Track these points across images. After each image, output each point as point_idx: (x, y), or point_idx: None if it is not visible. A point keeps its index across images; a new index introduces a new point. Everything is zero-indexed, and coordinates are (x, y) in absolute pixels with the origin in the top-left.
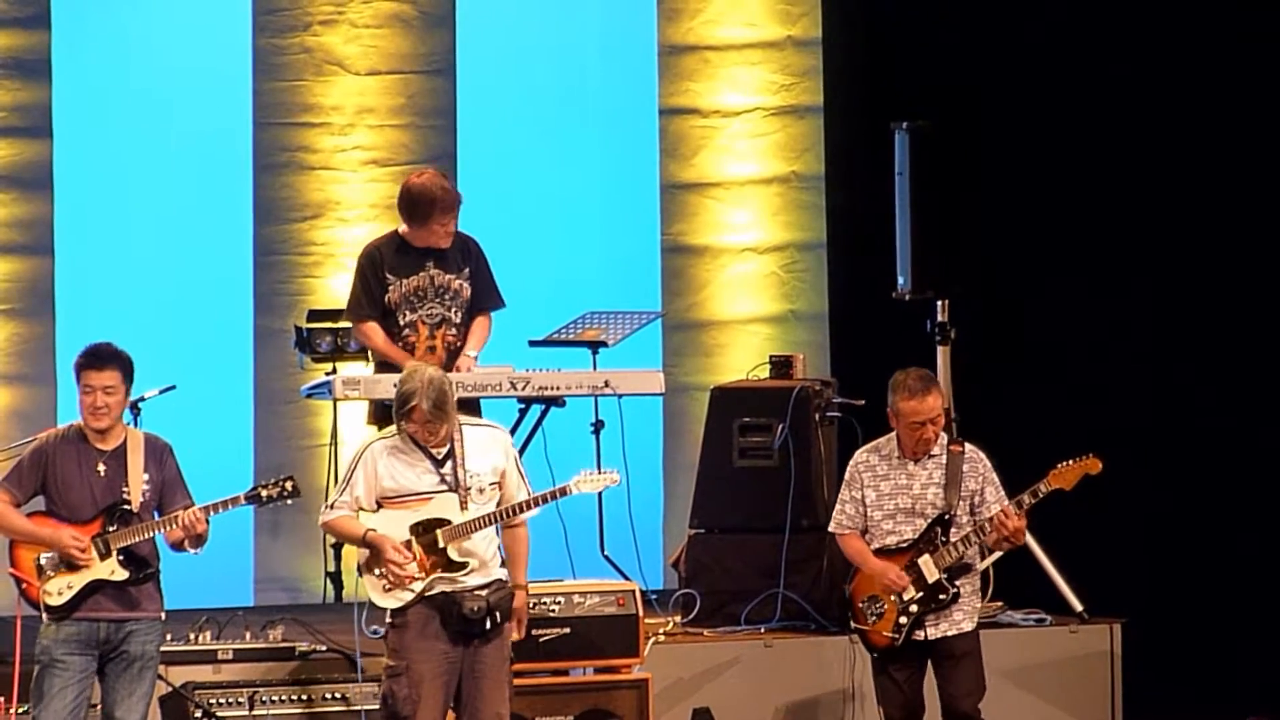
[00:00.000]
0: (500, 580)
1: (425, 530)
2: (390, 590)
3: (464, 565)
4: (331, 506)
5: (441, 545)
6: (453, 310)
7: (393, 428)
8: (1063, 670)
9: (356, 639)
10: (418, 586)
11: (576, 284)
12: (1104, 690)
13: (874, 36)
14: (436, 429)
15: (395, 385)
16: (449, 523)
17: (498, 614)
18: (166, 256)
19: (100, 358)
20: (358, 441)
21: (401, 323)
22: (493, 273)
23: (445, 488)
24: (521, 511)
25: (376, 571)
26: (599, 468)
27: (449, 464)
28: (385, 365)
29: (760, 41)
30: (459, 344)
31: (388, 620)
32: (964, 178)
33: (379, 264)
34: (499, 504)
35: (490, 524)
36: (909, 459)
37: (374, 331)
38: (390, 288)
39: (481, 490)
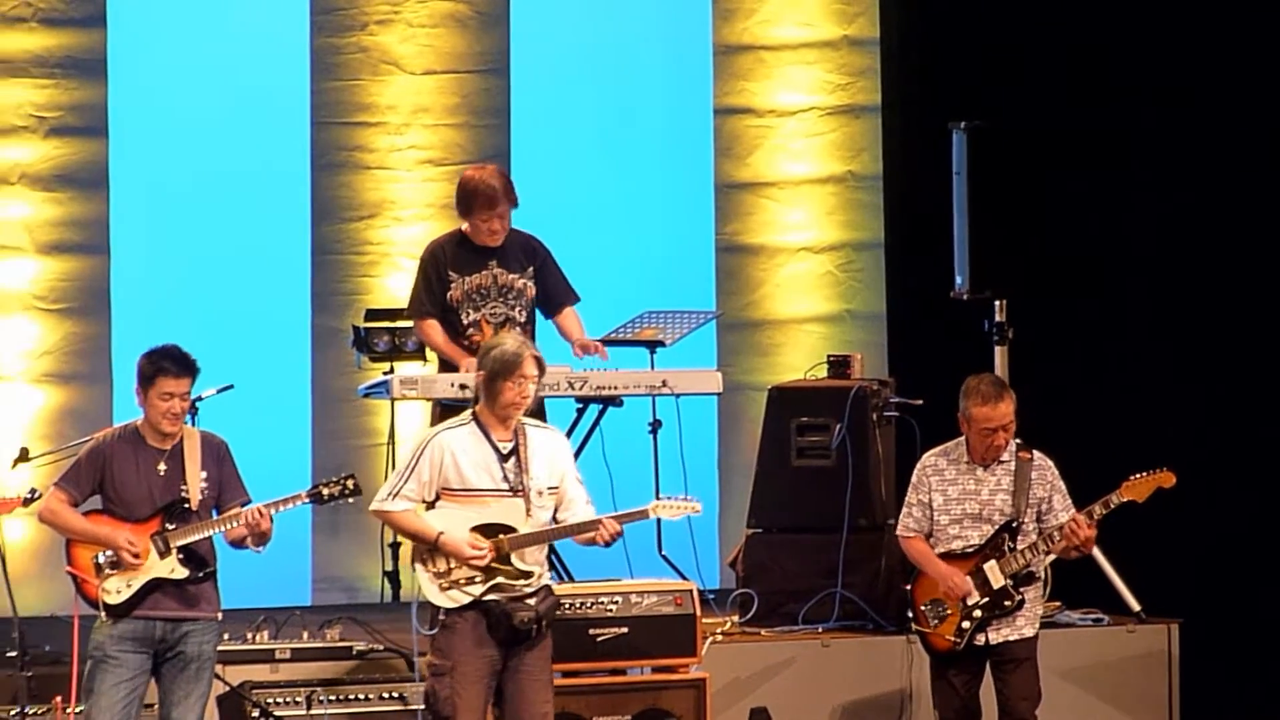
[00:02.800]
0: (548, 587)
1: (488, 534)
2: (447, 590)
3: (529, 574)
4: (393, 495)
5: (505, 552)
6: (517, 310)
7: (460, 417)
8: (1120, 670)
9: (414, 638)
10: (476, 590)
11: (631, 283)
12: (1162, 690)
13: (931, 36)
14: (531, 390)
15: (487, 356)
16: (513, 530)
17: (545, 622)
18: (224, 256)
19: (182, 364)
20: (416, 436)
21: (465, 321)
22: (562, 270)
23: (508, 488)
24: (595, 532)
25: (433, 569)
26: (655, 474)
27: (513, 461)
28: (447, 365)
29: (816, 41)
30: None
31: (439, 618)
32: (1022, 177)
33: (441, 261)
34: (558, 508)
35: (557, 538)
36: (978, 464)
37: (434, 329)
38: (452, 285)
39: (540, 494)
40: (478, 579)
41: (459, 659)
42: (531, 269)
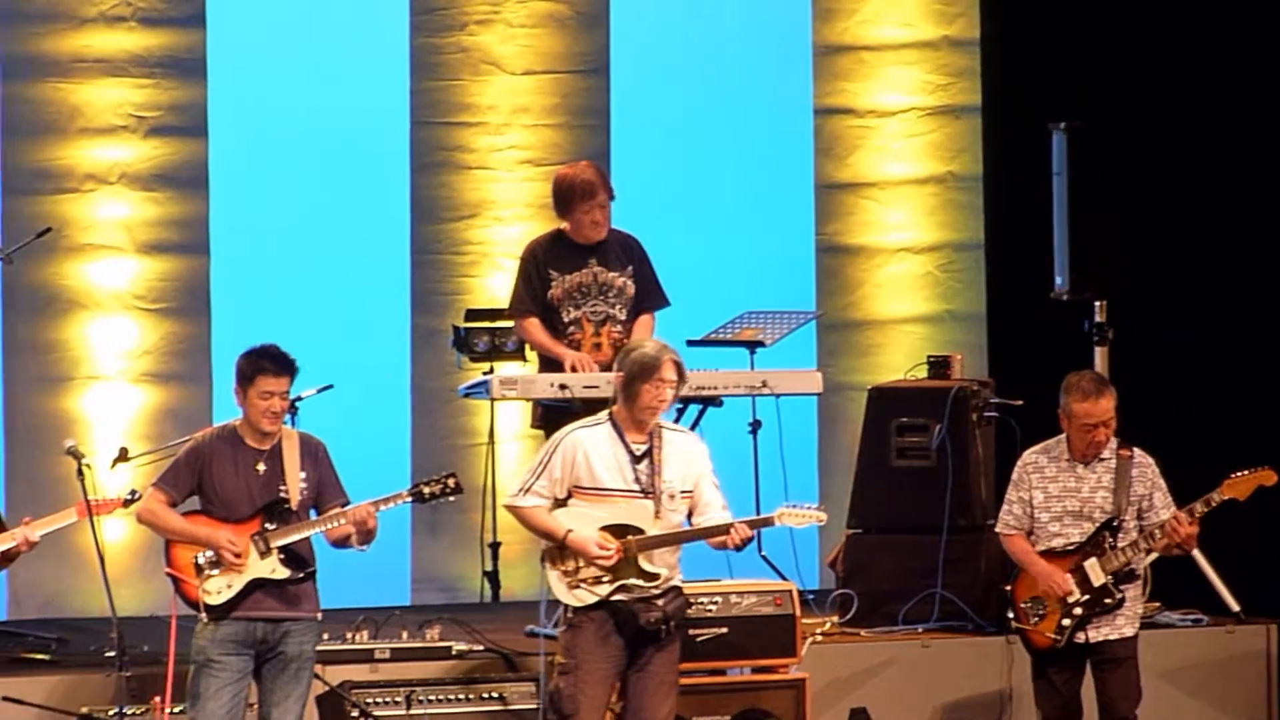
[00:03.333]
0: (677, 588)
1: (617, 535)
2: (574, 589)
3: (656, 576)
4: (525, 491)
5: (633, 554)
6: (617, 308)
7: (596, 417)
8: (1219, 670)
9: (540, 642)
10: (603, 590)
11: (731, 284)
12: (1261, 690)
13: (1032, 36)
14: (669, 395)
15: (627, 358)
16: (641, 531)
17: (672, 623)
18: (323, 255)
19: (281, 363)
20: (515, 436)
21: (566, 319)
22: (656, 273)
23: (639, 489)
24: (726, 536)
25: (561, 568)
26: (755, 475)
27: (645, 463)
28: (549, 364)
29: (917, 41)
30: (624, 341)
31: (566, 617)
32: (1123, 177)
33: (541, 260)
34: (692, 512)
35: (686, 541)
36: (1078, 461)
37: (535, 327)
38: (553, 284)
39: (673, 497)
40: (605, 579)
41: (583, 658)
42: (630, 268)
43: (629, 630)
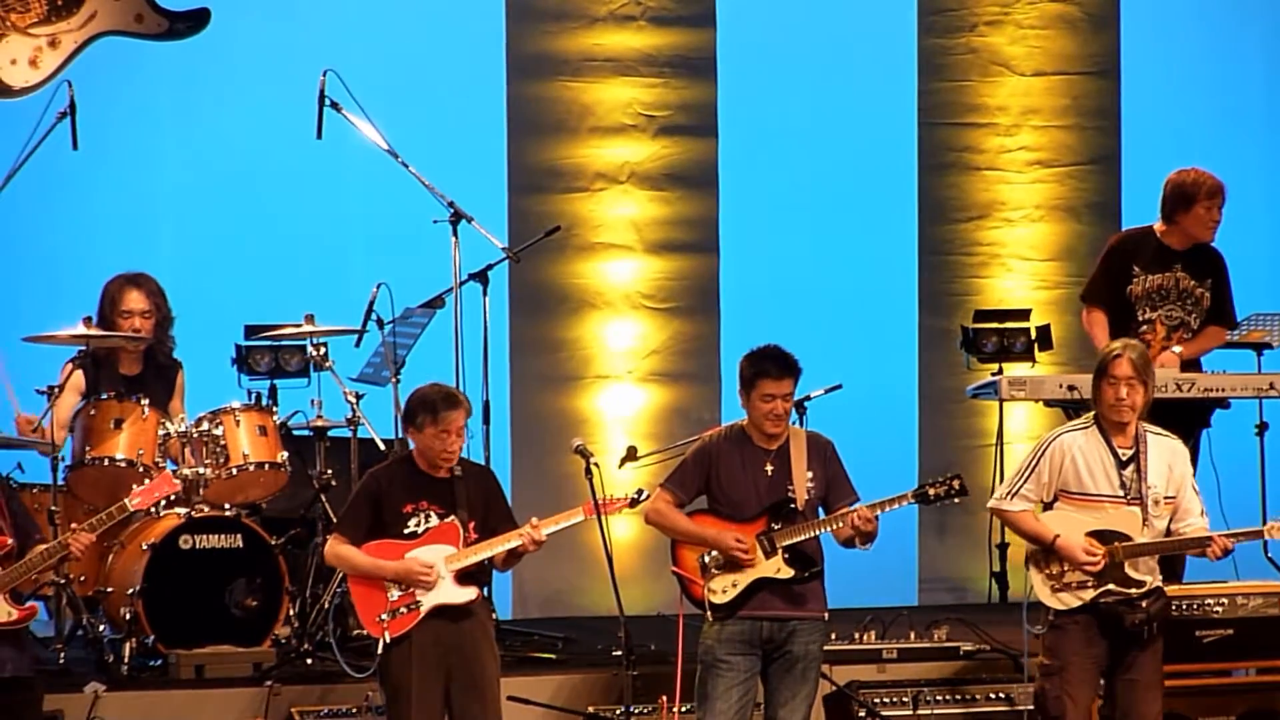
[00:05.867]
0: (1160, 589)
1: (1103, 541)
2: (1058, 592)
3: (1140, 584)
4: (1012, 495)
5: (1118, 560)
6: (1192, 316)
7: (1082, 419)
8: None
9: (1025, 638)
10: (1086, 595)
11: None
12: None
13: None
14: (1130, 393)
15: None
16: (1128, 538)
17: (1155, 624)
18: (832, 255)
19: (782, 365)
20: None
21: (1140, 319)
22: (1231, 291)
23: (1124, 494)
24: (1207, 548)
25: (1046, 571)
26: (1261, 477)
27: (1131, 467)
28: None
29: None
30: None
31: (1049, 619)
32: None
33: (1127, 253)
34: (1173, 517)
35: (1170, 551)
36: None
37: (1098, 320)
38: (1134, 280)
39: (1157, 502)
40: (1089, 584)
41: (1069, 659)
42: (1210, 280)
43: (1113, 632)
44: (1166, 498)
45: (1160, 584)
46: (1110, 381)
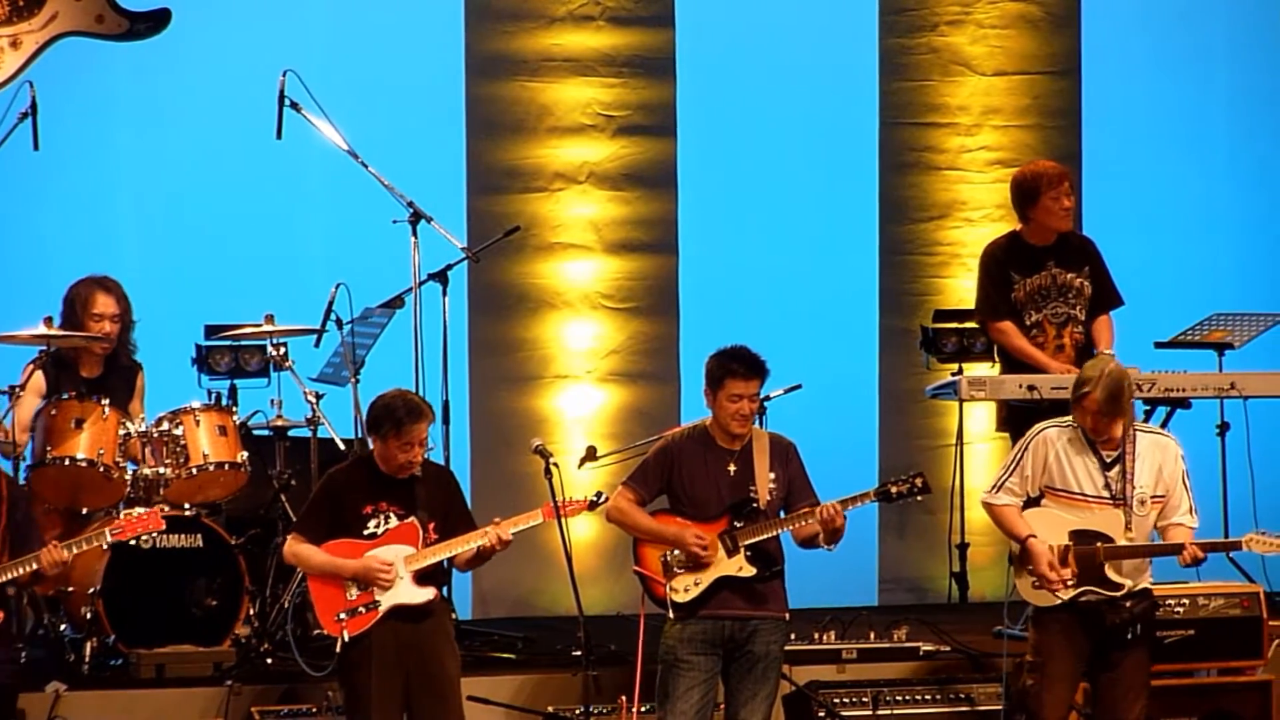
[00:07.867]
0: (1146, 591)
1: (1084, 541)
2: (1039, 588)
3: (1119, 587)
4: (997, 488)
5: (1099, 561)
6: (1077, 308)
7: (1066, 418)
8: None
9: (1004, 641)
10: (1066, 594)
11: (1200, 285)
12: None
13: None
14: (1106, 424)
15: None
16: (1110, 540)
17: (1139, 626)
18: (790, 255)
19: (751, 366)
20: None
21: (1028, 322)
22: (1109, 271)
23: (1109, 495)
24: (1179, 554)
25: (1028, 568)
26: (1222, 478)
27: (1116, 469)
28: (1014, 365)
29: None
30: (1084, 342)
31: (1029, 614)
32: None
33: (1002, 262)
34: (1160, 516)
35: (1144, 556)
36: None
37: (1011, 331)
38: (1015, 286)
39: (1143, 503)
40: (1070, 583)
41: (1049, 656)
42: (1087, 268)
43: (1095, 631)
44: (1154, 497)
45: (1149, 586)
46: (1083, 412)
